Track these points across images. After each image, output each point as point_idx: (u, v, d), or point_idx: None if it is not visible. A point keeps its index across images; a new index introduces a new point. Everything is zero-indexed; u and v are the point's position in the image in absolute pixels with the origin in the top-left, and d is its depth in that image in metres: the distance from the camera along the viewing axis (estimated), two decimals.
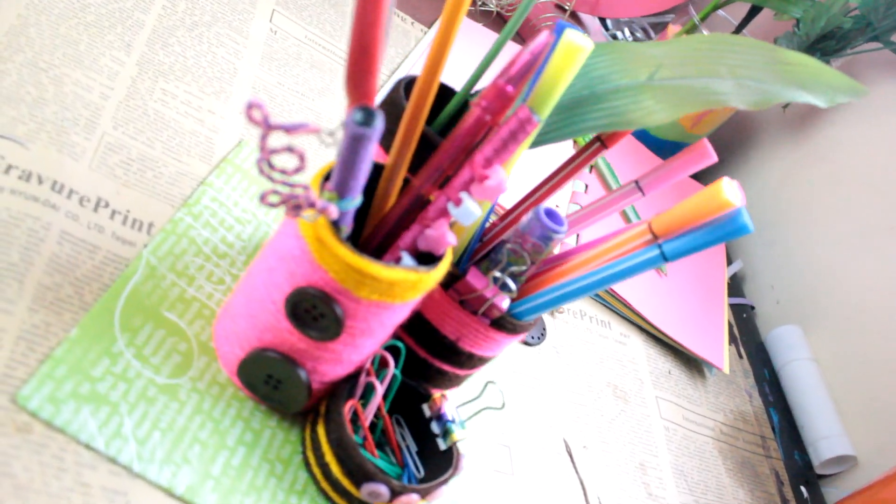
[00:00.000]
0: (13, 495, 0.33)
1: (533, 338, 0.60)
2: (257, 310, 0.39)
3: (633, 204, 0.77)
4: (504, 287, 0.40)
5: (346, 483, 0.40)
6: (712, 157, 0.42)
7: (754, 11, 0.83)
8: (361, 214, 0.41)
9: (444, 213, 0.38)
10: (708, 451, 0.66)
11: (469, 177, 0.37)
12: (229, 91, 0.56)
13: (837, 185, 0.83)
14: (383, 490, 0.39)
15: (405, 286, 0.36)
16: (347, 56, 0.31)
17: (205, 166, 0.50)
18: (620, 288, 0.68)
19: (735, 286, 0.86)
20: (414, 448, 0.45)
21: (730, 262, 0.88)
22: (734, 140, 0.96)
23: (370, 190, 0.41)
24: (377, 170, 0.40)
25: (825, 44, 0.78)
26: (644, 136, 0.89)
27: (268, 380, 0.40)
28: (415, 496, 0.40)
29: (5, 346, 0.36)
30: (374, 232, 0.40)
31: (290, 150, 0.32)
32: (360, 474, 0.39)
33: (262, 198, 0.33)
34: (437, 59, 0.36)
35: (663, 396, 0.66)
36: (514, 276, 0.42)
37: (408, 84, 0.44)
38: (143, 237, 0.44)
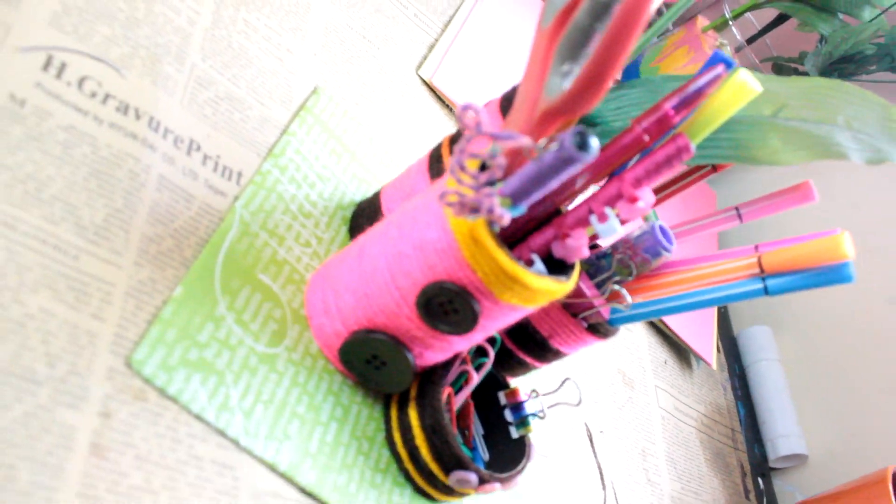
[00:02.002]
0: (135, 467, 0.31)
1: None
2: (375, 291, 0.38)
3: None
4: (616, 299, 0.41)
5: (434, 468, 0.40)
6: (814, 199, 0.44)
7: (781, 20, 0.85)
8: None
9: (583, 223, 0.37)
10: (692, 441, 0.70)
11: (616, 193, 0.37)
12: (304, 29, 0.52)
13: (821, 201, 0.87)
14: (472, 478, 0.39)
15: (546, 295, 0.36)
16: (583, 67, 0.30)
17: (285, 112, 0.47)
18: None
19: None
20: (481, 431, 0.45)
21: None
22: None
23: None
24: None
25: (844, 66, 0.81)
26: None
27: (371, 360, 0.39)
28: (497, 485, 0.40)
29: (115, 303, 0.34)
30: (500, 231, 0.39)
31: (493, 157, 0.31)
32: (451, 462, 0.39)
33: (441, 197, 0.32)
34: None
35: (660, 385, 0.69)
36: (617, 285, 0.42)
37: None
38: (233, 187, 0.42)
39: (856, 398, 0.78)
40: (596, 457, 0.57)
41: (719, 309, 0.87)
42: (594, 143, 0.29)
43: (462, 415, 0.44)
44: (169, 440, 0.33)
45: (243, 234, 0.40)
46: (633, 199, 0.36)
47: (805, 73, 0.83)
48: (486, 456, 0.44)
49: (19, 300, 0.31)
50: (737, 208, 0.45)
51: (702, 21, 0.86)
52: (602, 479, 0.56)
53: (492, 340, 0.43)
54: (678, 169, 0.37)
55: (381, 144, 0.53)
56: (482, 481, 0.40)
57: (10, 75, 0.34)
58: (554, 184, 0.31)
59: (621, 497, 0.57)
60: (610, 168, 0.38)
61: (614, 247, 0.42)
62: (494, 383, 0.45)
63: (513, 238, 0.39)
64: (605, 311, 0.41)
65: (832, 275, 0.39)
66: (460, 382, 0.42)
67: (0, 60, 0.34)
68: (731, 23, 0.82)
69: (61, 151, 0.35)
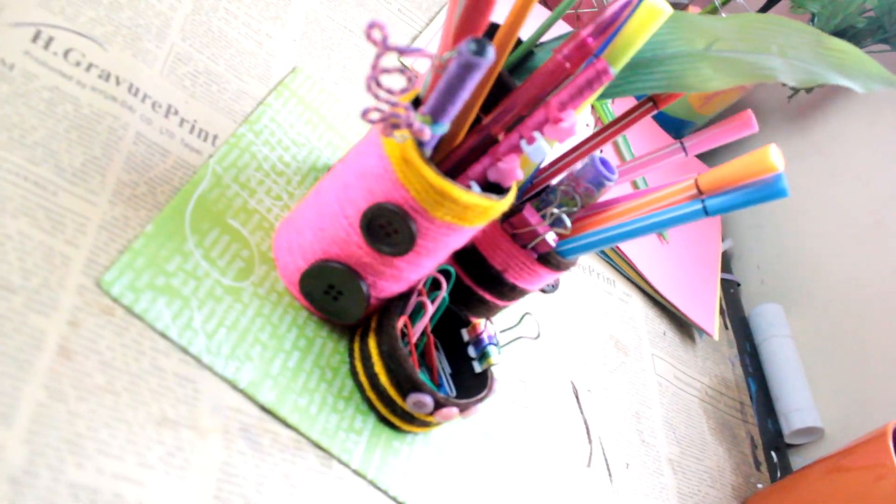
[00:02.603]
0: (100, 370, 0.35)
1: (549, 286, 0.63)
2: (327, 223, 0.41)
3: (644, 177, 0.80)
4: (557, 223, 0.43)
5: (392, 392, 0.42)
6: (754, 128, 0.46)
7: (771, 3, 0.87)
8: None
9: (515, 149, 0.40)
10: (694, 410, 0.70)
11: (543, 118, 0.40)
12: (285, 18, 0.57)
13: (831, 178, 0.87)
14: (428, 400, 0.42)
15: (477, 211, 0.38)
16: None
17: (263, 87, 0.52)
18: (628, 250, 0.71)
19: (724, 263, 0.91)
20: (448, 370, 0.48)
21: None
22: None
23: None
24: None
25: None
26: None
27: (328, 290, 0.43)
28: (454, 410, 0.43)
29: (89, 234, 0.38)
30: (442, 162, 0.42)
31: (402, 71, 0.34)
32: (407, 385, 0.42)
33: (364, 114, 0.36)
34: (523, 7, 0.39)
35: (658, 354, 0.70)
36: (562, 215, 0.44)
37: (490, 31, 0.46)
38: (208, 147, 0.46)
39: (870, 371, 0.76)
40: (582, 412, 0.58)
41: (730, 290, 0.87)
42: (490, 49, 0.32)
43: (426, 353, 0.46)
44: (133, 351, 0.37)
45: (215, 185, 0.45)
46: (558, 120, 0.39)
47: None
48: (452, 393, 0.47)
49: None
50: (681, 142, 0.47)
51: (693, 10, 0.88)
52: (588, 433, 0.57)
53: (448, 275, 0.46)
54: (597, 91, 0.39)
55: (361, 121, 0.57)
56: (438, 405, 0.42)
57: (1, 45, 0.40)
58: (464, 94, 0.34)
59: (610, 453, 0.58)
60: (539, 97, 0.41)
61: (560, 181, 0.45)
62: (460, 323, 0.47)
63: (456, 170, 0.42)
64: (550, 239, 0.44)
65: (766, 189, 0.40)
66: (420, 315, 0.45)
67: None
68: (720, 9, 0.85)
69: (45, 107, 0.40)
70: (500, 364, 0.53)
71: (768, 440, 0.76)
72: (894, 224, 0.80)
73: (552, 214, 0.43)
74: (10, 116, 0.38)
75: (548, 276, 0.46)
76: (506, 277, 0.46)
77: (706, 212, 0.42)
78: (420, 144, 0.38)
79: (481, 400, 0.44)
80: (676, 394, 0.69)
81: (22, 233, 0.36)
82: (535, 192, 0.47)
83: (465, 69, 0.33)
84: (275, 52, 0.54)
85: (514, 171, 0.40)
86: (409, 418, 0.44)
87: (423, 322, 0.44)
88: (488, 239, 0.45)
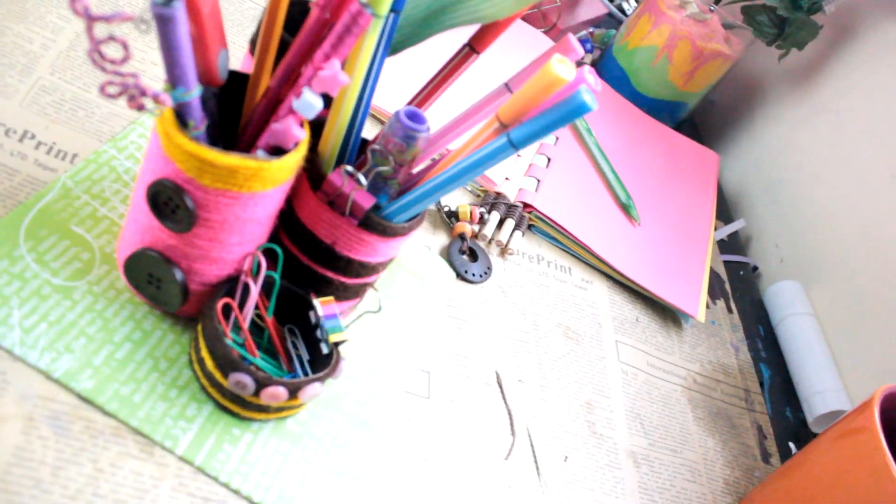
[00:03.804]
0: None
1: (474, 275, 0.60)
2: (136, 212, 0.42)
3: (603, 148, 0.76)
4: (355, 180, 0.41)
5: (217, 375, 0.42)
6: (578, 52, 0.42)
7: None
8: (236, 121, 0.43)
9: (292, 109, 0.39)
10: (675, 399, 0.63)
11: (312, 73, 0.39)
12: None
13: (840, 135, 0.78)
14: (247, 380, 0.41)
15: (246, 174, 0.38)
16: None
17: (136, 112, 0.54)
18: (582, 233, 0.67)
19: (736, 245, 0.83)
20: (306, 357, 0.46)
21: (731, 221, 0.84)
22: (736, 98, 0.93)
23: (241, 97, 0.43)
24: (246, 79, 0.42)
25: None
26: (636, 97, 0.87)
27: (150, 279, 0.43)
28: (281, 389, 0.41)
29: None
30: (242, 134, 0.42)
31: (112, 39, 0.35)
32: (226, 364, 0.41)
33: (102, 89, 0.36)
34: None
35: (625, 342, 0.65)
36: (381, 177, 0.43)
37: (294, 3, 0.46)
38: (65, 165, 0.48)
39: None
40: (506, 403, 0.54)
41: (739, 272, 0.79)
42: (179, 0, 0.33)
43: (270, 338, 0.45)
44: None
45: (62, 197, 0.47)
46: (319, 69, 0.38)
47: (773, 9, 0.77)
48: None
49: None
50: (506, 84, 0.44)
51: None
52: (512, 425, 0.53)
53: (274, 253, 0.45)
54: (356, 35, 0.38)
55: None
56: (260, 384, 0.41)
57: None
58: (180, 50, 0.34)
59: (543, 445, 0.53)
60: (309, 52, 0.40)
61: (374, 141, 0.43)
62: (310, 306, 0.46)
63: (254, 139, 0.42)
64: (362, 200, 0.42)
65: (566, 106, 0.37)
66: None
67: None
68: None
69: None
70: (350, 340, 0.51)
71: (785, 429, 0.67)
72: None
73: (350, 172, 0.41)
74: None
75: (382, 245, 0.44)
76: (338, 250, 0.44)
77: (512, 144, 0.39)
78: (180, 116, 0.38)
79: (317, 380, 0.42)
80: (649, 382, 0.63)
81: None
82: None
83: (162, 22, 0.33)
84: (158, 76, 0.57)
85: (290, 130, 0.39)
86: (243, 403, 0.42)
87: (251, 303, 0.43)
88: (309, 211, 0.44)
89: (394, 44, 0.45)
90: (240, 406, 0.43)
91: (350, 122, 0.43)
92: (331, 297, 0.46)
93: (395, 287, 0.56)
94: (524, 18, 0.93)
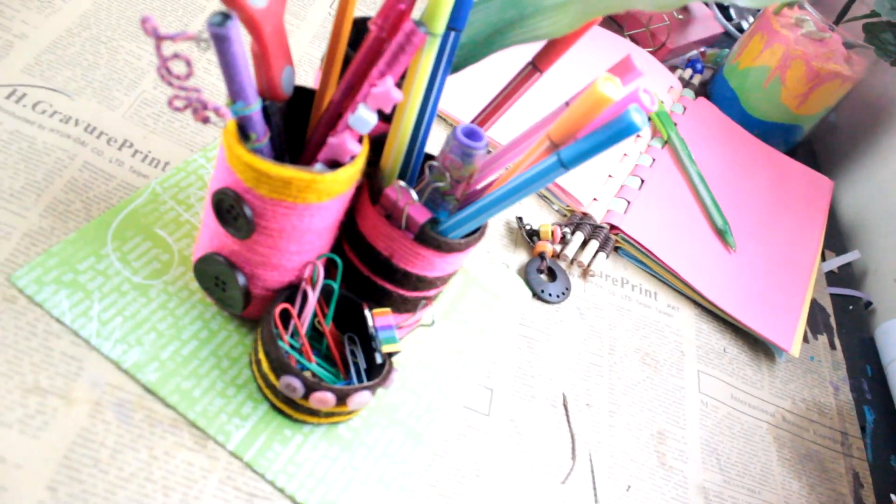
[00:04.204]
0: None
1: (551, 295, 0.60)
2: (207, 218, 0.44)
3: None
4: (436, 200, 0.42)
5: (271, 377, 0.43)
6: (638, 72, 0.41)
7: None
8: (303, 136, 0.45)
9: (348, 125, 0.41)
10: (758, 436, 0.59)
11: (367, 90, 0.40)
12: None
13: None
14: (297, 384, 0.42)
15: (300, 185, 0.39)
16: None
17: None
18: (671, 258, 0.64)
19: (849, 277, 0.77)
20: (364, 366, 0.47)
21: (844, 251, 0.79)
22: (859, 122, 0.87)
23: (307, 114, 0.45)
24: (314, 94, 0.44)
25: None
26: (747, 120, 0.83)
27: (216, 282, 0.45)
28: (329, 394, 0.42)
29: (12, 240, 0.45)
30: (307, 148, 0.44)
31: (176, 56, 0.37)
32: (279, 367, 0.42)
33: (170, 102, 0.39)
34: None
35: (708, 372, 0.61)
36: (440, 193, 0.43)
37: (360, 22, 0.48)
38: (157, 172, 0.52)
39: None
40: (570, 426, 0.53)
41: (849, 306, 0.73)
42: (231, 18, 0.35)
43: (329, 345, 0.46)
44: (26, 332, 0.42)
45: (151, 202, 0.50)
46: (373, 86, 0.39)
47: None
48: None
49: None
50: (567, 103, 0.43)
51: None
52: (574, 449, 0.52)
53: (335, 263, 0.46)
54: (410, 54, 0.38)
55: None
56: (309, 389, 0.42)
57: None
58: (236, 67, 0.36)
59: (605, 473, 0.51)
60: (368, 69, 0.41)
61: (434, 158, 0.44)
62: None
63: (311, 156, 0.44)
64: (416, 214, 0.42)
65: (614, 127, 0.37)
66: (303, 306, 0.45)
67: None
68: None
69: (1, 146, 0.49)
70: (412, 354, 0.51)
71: (886, 480, 0.61)
72: None
73: (402, 187, 0.42)
74: None
75: (439, 261, 0.44)
76: (395, 263, 0.45)
77: (562, 163, 0.38)
78: (242, 129, 0.40)
79: (367, 388, 0.43)
80: (731, 415, 0.60)
81: None
82: None
83: (218, 41, 0.35)
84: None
85: (345, 144, 0.40)
86: (294, 405, 0.44)
87: (309, 309, 0.45)
88: (369, 223, 0.44)
89: (456, 62, 0.45)
90: (291, 408, 0.44)
91: (411, 137, 0.44)
92: (387, 309, 0.46)
93: (465, 303, 0.57)
94: (631, 38, 0.91)
